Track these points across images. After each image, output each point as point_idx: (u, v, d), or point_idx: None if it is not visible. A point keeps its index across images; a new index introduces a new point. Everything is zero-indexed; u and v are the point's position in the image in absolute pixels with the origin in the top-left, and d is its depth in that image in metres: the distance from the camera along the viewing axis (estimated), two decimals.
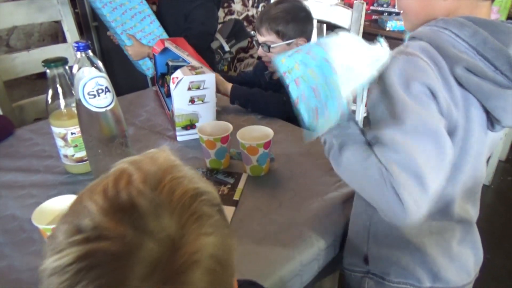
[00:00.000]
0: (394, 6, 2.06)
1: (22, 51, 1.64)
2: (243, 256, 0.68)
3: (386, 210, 0.56)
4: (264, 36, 1.27)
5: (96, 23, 2.28)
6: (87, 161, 0.93)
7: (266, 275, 0.66)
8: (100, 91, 0.77)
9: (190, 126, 1.06)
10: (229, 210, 0.80)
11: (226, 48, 2.19)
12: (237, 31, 2.29)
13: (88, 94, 0.77)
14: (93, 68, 0.77)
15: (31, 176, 0.94)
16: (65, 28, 1.70)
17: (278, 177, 0.92)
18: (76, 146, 0.90)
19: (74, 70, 0.77)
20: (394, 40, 1.98)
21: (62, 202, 0.71)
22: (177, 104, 1.01)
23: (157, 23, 1.75)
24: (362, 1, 1.39)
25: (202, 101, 1.03)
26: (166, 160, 0.40)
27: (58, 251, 0.32)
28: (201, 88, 1.01)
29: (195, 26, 1.73)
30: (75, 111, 0.89)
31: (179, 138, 1.07)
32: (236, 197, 0.84)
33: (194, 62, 1.08)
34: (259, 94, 1.23)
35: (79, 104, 0.79)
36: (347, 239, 0.77)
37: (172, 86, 1.00)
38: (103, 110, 0.79)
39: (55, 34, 2.21)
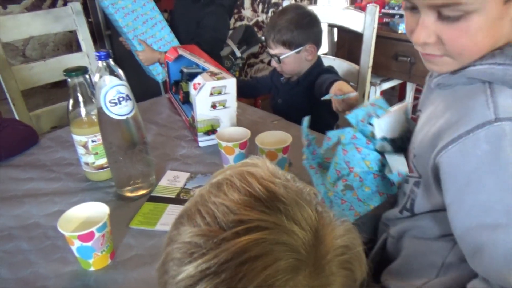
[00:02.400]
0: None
1: (38, 61, 1.67)
2: None
3: None
4: (273, 49, 1.31)
5: (109, 31, 2.31)
6: (108, 168, 0.94)
7: None
8: (121, 99, 0.78)
9: (212, 131, 1.07)
10: None
11: (238, 54, 2.20)
12: (248, 36, 2.30)
13: (110, 102, 0.78)
14: (114, 76, 0.78)
15: (53, 184, 0.95)
16: (80, 38, 1.72)
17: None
18: (96, 153, 0.91)
19: (96, 78, 0.78)
20: (405, 42, 1.98)
21: (86, 209, 0.72)
22: (199, 110, 1.02)
23: (168, 29, 1.78)
24: (374, 4, 1.39)
25: (224, 106, 1.04)
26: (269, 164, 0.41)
27: (201, 254, 0.32)
28: (222, 93, 1.02)
29: (206, 32, 1.75)
30: (95, 119, 0.90)
31: (201, 144, 1.08)
32: None
33: (213, 68, 1.09)
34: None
35: (100, 112, 0.80)
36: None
37: (194, 92, 1.01)
38: (124, 117, 0.80)
39: (69, 44, 2.25)
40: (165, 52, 1.72)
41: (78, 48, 2.21)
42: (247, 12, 2.95)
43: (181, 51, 1.28)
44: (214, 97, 1.02)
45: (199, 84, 1.01)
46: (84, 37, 1.72)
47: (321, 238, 0.35)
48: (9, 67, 1.56)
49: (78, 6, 1.68)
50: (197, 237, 0.33)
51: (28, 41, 2.11)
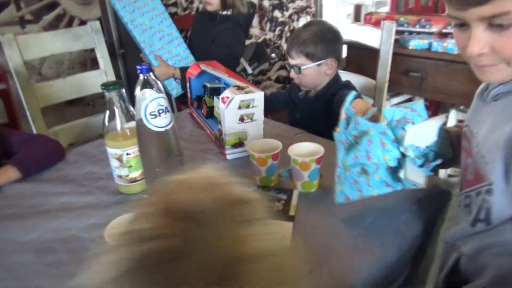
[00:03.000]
0: (414, 26, 2.11)
1: (57, 79, 1.70)
2: (309, 272, 0.68)
3: None
4: (295, 59, 1.34)
5: (122, 50, 2.36)
6: (140, 181, 0.95)
7: None
8: (160, 111, 0.80)
9: (239, 144, 1.08)
10: (287, 226, 0.81)
11: (249, 70, 2.23)
12: (259, 54, 2.34)
13: (150, 114, 0.79)
14: (154, 89, 0.80)
15: (85, 198, 0.96)
16: (98, 55, 1.75)
17: (329, 192, 0.92)
18: (130, 166, 0.92)
19: (136, 92, 0.80)
20: (416, 58, 2.01)
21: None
22: (228, 123, 1.04)
23: (184, 45, 1.81)
24: (390, 21, 1.42)
25: (251, 119, 1.06)
26: (209, 171, 0.41)
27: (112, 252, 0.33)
28: (250, 106, 1.04)
29: (221, 49, 1.79)
30: (129, 132, 0.92)
31: (229, 157, 1.10)
32: (292, 213, 0.85)
33: (238, 83, 1.12)
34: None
35: (139, 124, 0.81)
36: None
37: (222, 106, 1.03)
38: (163, 129, 0.81)
39: (84, 62, 2.28)
40: (186, 68, 1.76)
41: (93, 66, 2.26)
42: (255, 30, 3.01)
43: (203, 67, 1.30)
44: (242, 110, 1.04)
45: (227, 98, 1.03)
46: (103, 55, 1.76)
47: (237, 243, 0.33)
48: (30, 85, 1.58)
49: (97, 25, 1.72)
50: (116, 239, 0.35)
51: (45, 60, 2.15)
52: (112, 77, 1.77)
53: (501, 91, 0.63)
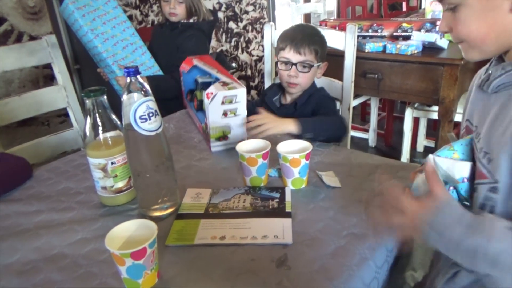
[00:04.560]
0: (367, 31, 2.22)
1: (11, 97, 1.58)
2: (313, 268, 0.69)
3: None
4: (305, 55, 1.26)
5: (78, 65, 2.26)
6: (126, 192, 0.91)
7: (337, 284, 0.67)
8: (150, 114, 0.77)
9: (223, 137, 1.14)
10: (286, 222, 0.81)
11: None
12: (221, 63, 2.33)
13: (140, 118, 0.76)
14: (142, 92, 0.77)
15: (66, 214, 0.90)
16: (56, 71, 1.66)
17: (320, 187, 0.94)
18: (116, 176, 0.88)
19: (124, 96, 0.77)
20: (372, 60, 2.12)
21: (127, 228, 0.69)
22: (211, 117, 1.09)
23: (148, 54, 1.78)
24: (351, 24, 1.49)
25: (234, 114, 1.11)
26: None
27: None
28: (233, 102, 1.09)
29: (187, 56, 1.77)
30: (112, 141, 0.88)
31: (213, 149, 1.15)
32: (288, 209, 0.85)
33: (225, 78, 1.15)
34: (322, 120, 1.20)
35: (128, 129, 0.78)
36: None
37: (207, 101, 1.07)
38: (154, 133, 0.79)
39: (36, 80, 2.16)
40: (153, 77, 1.72)
41: (45, 84, 2.15)
42: (212, 41, 3.01)
43: (195, 62, 1.33)
44: (225, 105, 1.08)
45: (211, 93, 1.07)
46: (61, 70, 1.67)
47: None
48: None
49: (53, 38, 1.64)
50: None
51: None
52: (72, 93, 1.69)
53: (502, 82, 0.62)
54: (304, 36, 1.27)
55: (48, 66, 1.68)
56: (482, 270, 0.57)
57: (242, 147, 0.96)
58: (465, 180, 0.68)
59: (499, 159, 0.59)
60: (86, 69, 2.25)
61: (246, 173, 0.94)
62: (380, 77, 2.12)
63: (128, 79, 0.76)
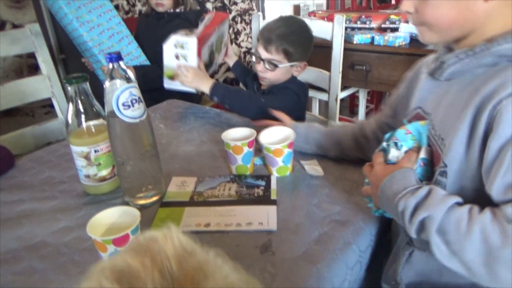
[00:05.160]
0: (355, 22, 2.22)
1: None
2: (297, 253, 0.69)
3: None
4: (272, 54, 1.24)
5: (63, 55, 2.22)
6: (110, 180, 0.90)
7: (322, 270, 0.67)
8: (134, 101, 0.76)
9: (173, 78, 1.27)
10: (271, 210, 0.81)
11: None
12: (209, 54, 2.32)
13: (123, 105, 0.75)
14: (125, 79, 0.76)
15: (49, 203, 0.88)
16: (39, 60, 1.63)
17: (304, 175, 0.94)
18: (99, 164, 0.87)
19: (106, 83, 0.76)
20: (361, 52, 2.13)
21: (110, 215, 0.69)
22: (166, 56, 1.24)
23: (135, 44, 1.75)
24: (339, 14, 1.49)
25: (185, 59, 1.23)
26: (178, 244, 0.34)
27: None
28: (184, 48, 1.22)
29: None
30: (95, 129, 0.87)
31: (166, 85, 1.31)
32: (273, 197, 0.85)
33: (198, 30, 1.27)
34: (242, 94, 1.25)
35: (111, 116, 0.77)
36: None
37: (166, 42, 1.22)
38: (137, 120, 0.78)
39: (19, 69, 2.12)
40: (140, 66, 1.69)
41: (30, 74, 2.11)
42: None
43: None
44: (178, 49, 1.22)
45: (169, 36, 1.23)
46: (45, 59, 1.64)
47: None
48: None
49: (37, 27, 1.60)
50: None
51: None
52: (56, 83, 1.66)
53: (457, 70, 0.63)
54: (278, 35, 1.23)
55: (32, 56, 1.65)
56: (415, 236, 0.60)
57: (228, 135, 0.95)
58: (422, 163, 0.69)
59: (450, 144, 0.61)
60: (71, 59, 2.21)
61: (231, 161, 0.94)
62: (368, 69, 2.13)
63: (110, 65, 0.75)
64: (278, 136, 0.95)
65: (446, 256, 0.56)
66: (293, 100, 1.27)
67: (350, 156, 0.96)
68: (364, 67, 2.13)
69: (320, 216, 0.78)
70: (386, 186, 0.65)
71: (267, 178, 0.92)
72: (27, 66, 2.10)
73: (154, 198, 0.85)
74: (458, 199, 0.58)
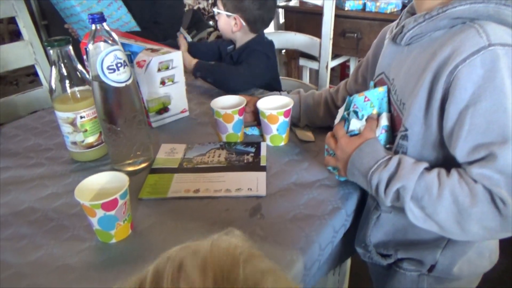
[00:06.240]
0: None
1: None
2: (286, 217, 0.70)
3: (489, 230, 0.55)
4: (216, 3, 1.33)
5: (45, 21, 2.14)
6: (98, 147, 0.88)
7: (309, 234, 0.68)
8: (119, 65, 0.74)
9: (164, 109, 1.02)
10: (261, 176, 0.81)
11: (189, 38, 2.16)
12: (197, 21, 2.27)
13: (108, 68, 0.73)
14: (109, 41, 0.74)
15: (37, 170, 0.87)
16: (20, 25, 1.57)
17: (295, 142, 0.94)
18: (85, 131, 0.86)
19: (89, 46, 0.73)
20: (352, 19, 2.09)
21: (99, 180, 0.68)
22: (148, 88, 0.97)
23: (124, 9, 1.69)
24: None
25: (172, 81, 1.01)
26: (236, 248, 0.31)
27: None
28: (169, 68, 0.98)
29: (164, 10, 1.70)
30: (80, 94, 0.85)
31: (154, 124, 1.03)
32: (263, 163, 0.85)
33: (150, 45, 1.02)
34: (221, 67, 1.26)
35: (95, 80, 0.75)
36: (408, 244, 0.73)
37: (140, 70, 0.94)
38: (123, 85, 0.76)
39: (1, 37, 2.04)
40: (130, 33, 1.63)
41: (11, 40, 2.04)
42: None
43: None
44: (162, 72, 0.98)
45: (144, 61, 0.95)
46: (26, 24, 1.58)
47: None
48: None
49: None
50: None
51: None
52: (39, 49, 1.61)
53: (415, 34, 0.63)
54: None
55: (13, 21, 1.59)
56: (389, 204, 0.63)
57: (217, 103, 0.94)
58: (383, 131, 0.70)
59: (410, 108, 0.62)
60: (54, 25, 2.14)
61: (222, 130, 0.93)
62: (359, 36, 2.10)
63: (93, 27, 0.72)
64: (276, 103, 0.93)
65: (421, 219, 0.60)
66: (264, 61, 1.30)
67: (321, 124, 0.96)
68: (356, 35, 2.10)
69: (309, 181, 0.79)
70: (355, 160, 0.66)
71: (257, 145, 0.92)
72: (8, 32, 2.03)
73: (143, 165, 0.84)
74: (426, 165, 0.61)
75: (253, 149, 0.90)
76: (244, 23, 1.29)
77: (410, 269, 0.74)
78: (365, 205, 0.77)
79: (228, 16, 1.29)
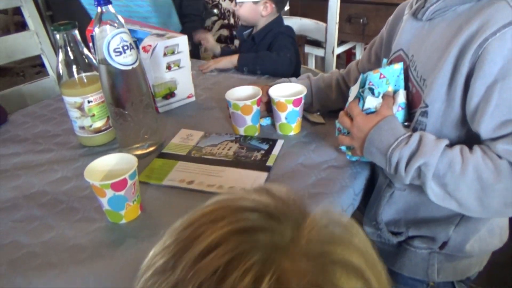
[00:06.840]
0: None
1: None
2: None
3: None
4: None
5: (50, 12, 2.14)
6: (105, 131, 0.89)
7: None
8: (125, 47, 0.74)
9: (170, 94, 1.02)
10: (260, 176, 0.76)
11: None
12: (201, 8, 2.25)
13: (114, 51, 0.73)
14: (115, 24, 0.73)
15: (46, 155, 0.88)
16: (26, 15, 1.57)
17: (306, 126, 0.91)
18: (93, 115, 0.86)
19: (95, 29, 0.73)
20: (358, 4, 2.06)
21: (108, 162, 0.68)
22: (154, 73, 0.97)
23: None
24: None
25: (178, 66, 1.00)
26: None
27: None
28: (175, 52, 0.98)
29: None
30: (87, 79, 0.85)
31: (160, 110, 1.02)
32: (269, 163, 0.80)
33: (155, 31, 1.02)
34: (265, 55, 1.26)
35: (103, 64, 0.75)
36: (420, 222, 0.72)
37: (146, 55, 0.94)
38: (130, 67, 0.76)
39: (6, 27, 2.05)
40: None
41: (17, 31, 2.04)
42: None
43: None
44: (168, 57, 0.97)
45: (150, 46, 0.94)
46: (31, 14, 1.58)
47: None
48: None
49: None
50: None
51: None
52: (45, 39, 1.61)
53: (438, 8, 0.62)
54: None
55: (19, 12, 1.60)
56: (408, 182, 0.62)
57: (232, 95, 0.90)
58: (400, 108, 0.70)
59: (432, 84, 0.61)
60: (59, 15, 2.14)
61: (239, 123, 0.89)
62: (365, 22, 2.08)
63: (99, 9, 0.72)
64: (288, 91, 0.90)
65: (441, 196, 0.59)
66: (292, 44, 1.34)
67: (333, 107, 0.93)
68: (362, 20, 2.08)
69: (317, 162, 0.79)
70: (373, 138, 0.65)
71: (273, 142, 0.87)
72: (14, 23, 2.04)
73: (151, 149, 0.84)
74: (447, 141, 0.59)
75: (266, 146, 0.85)
76: (274, 5, 1.33)
77: (421, 246, 0.73)
78: (376, 184, 0.77)
79: (255, 2, 1.31)
